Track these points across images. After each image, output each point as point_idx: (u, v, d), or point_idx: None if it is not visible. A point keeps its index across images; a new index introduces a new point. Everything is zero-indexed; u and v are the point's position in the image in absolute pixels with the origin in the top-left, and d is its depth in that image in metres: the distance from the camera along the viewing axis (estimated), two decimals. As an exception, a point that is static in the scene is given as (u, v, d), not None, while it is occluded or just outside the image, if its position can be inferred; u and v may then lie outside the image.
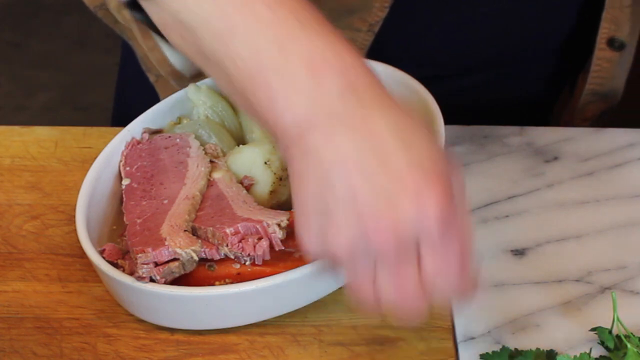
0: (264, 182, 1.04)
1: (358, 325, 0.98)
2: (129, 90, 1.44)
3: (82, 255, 1.05)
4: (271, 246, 0.96)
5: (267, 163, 1.04)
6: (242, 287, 0.94)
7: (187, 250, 0.95)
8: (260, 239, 0.96)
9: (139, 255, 0.95)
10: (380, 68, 1.14)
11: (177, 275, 0.95)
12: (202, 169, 1.04)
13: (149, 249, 0.95)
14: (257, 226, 0.96)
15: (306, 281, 0.96)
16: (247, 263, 0.96)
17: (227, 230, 0.96)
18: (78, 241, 1.07)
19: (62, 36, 2.96)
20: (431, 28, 1.23)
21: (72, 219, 1.09)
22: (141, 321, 0.98)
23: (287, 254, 0.97)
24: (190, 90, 1.13)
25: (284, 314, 0.98)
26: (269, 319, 0.98)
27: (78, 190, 1.04)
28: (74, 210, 1.08)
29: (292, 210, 1.00)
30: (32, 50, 2.91)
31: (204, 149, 1.07)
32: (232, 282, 0.96)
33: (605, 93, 1.28)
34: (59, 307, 1.00)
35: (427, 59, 1.25)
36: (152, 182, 1.04)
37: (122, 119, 1.15)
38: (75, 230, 1.08)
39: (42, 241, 1.08)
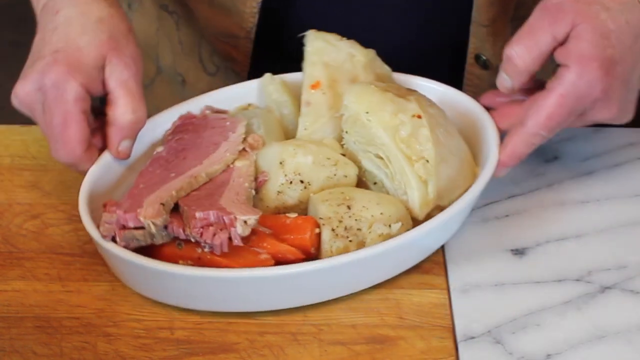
0: (274, 180, 1.03)
1: (358, 324, 0.98)
2: None
3: (82, 254, 1.05)
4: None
5: (282, 163, 1.03)
6: (180, 270, 0.96)
7: (148, 220, 0.96)
8: (222, 230, 0.96)
9: (105, 213, 0.98)
10: (441, 88, 1.14)
11: (142, 243, 0.97)
12: (228, 154, 1.05)
13: (119, 211, 0.97)
14: (226, 217, 0.96)
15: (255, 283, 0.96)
16: (206, 250, 0.97)
17: (197, 214, 0.96)
18: (78, 240, 1.07)
19: (62, 36, 2.95)
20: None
21: (72, 218, 1.10)
22: (141, 320, 0.98)
23: (252, 252, 0.97)
24: (265, 79, 1.15)
25: (284, 314, 0.98)
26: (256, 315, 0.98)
27: (78, 189, 1.04)
28: (74, 209, 1.08)
29: (290, 214, 1.01)
30: (32, 50, 2.90)
31: (245, 138, 1.07)
32: (192, 265, 0.97)
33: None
34: (59, 306, 1.00)
35: None
36: (178, 155, 1.06)
37: None
38: (75, 230, 1.08)
39: (42, 240, 1.08)
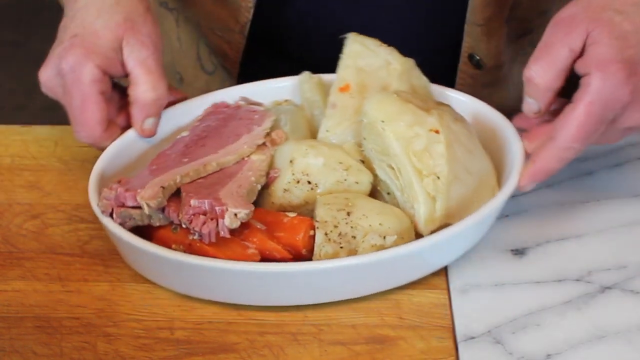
0: (282, 178, 1.04)
1: (358, 325, 0.98)
2: None
3: (82, 254, 1.05)
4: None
5: (292, 162, 1.03)
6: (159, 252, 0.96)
7: (143, 201, 0.97)
8: (213, 219, 0.96)
9: (105, 189, 0.99)
10: (474, 104, 1.13)
11: (139, 223, 0.98)
12: (245, 147, 1.06)
13: (120, 189, 0.98)
14: (218, 208, 0.96)
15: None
16: (196, 237, 0.97)
17: (192, 202, 0.97)
18: (78, 240, 1.07)
19: (63, 36, 2.95)
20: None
21: (72, 218, 1.10)
22: (141, 320, 0.98)
23: (241, 246, 0.97)
24: (302, 76, 1.15)
25: (284, 314, 0.98)
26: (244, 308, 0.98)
27: (78, 189, 1.04)
28: (74, 209, 1.08)
29: (289, 213, 1.01)
30: (32, 49, 2.90)
31: (269, 133, 1.08)
32: (183, 250, 0.98)
33: None
34: (59, 306, 1.00)
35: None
36: (198, 142, 1.07)
37: None
38: (75, 230, 1.08)
39: (42, 240, 1.08)
